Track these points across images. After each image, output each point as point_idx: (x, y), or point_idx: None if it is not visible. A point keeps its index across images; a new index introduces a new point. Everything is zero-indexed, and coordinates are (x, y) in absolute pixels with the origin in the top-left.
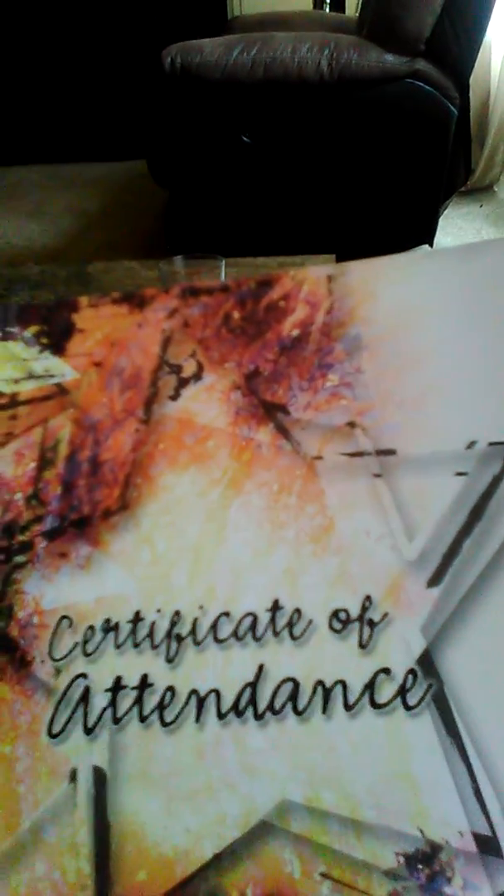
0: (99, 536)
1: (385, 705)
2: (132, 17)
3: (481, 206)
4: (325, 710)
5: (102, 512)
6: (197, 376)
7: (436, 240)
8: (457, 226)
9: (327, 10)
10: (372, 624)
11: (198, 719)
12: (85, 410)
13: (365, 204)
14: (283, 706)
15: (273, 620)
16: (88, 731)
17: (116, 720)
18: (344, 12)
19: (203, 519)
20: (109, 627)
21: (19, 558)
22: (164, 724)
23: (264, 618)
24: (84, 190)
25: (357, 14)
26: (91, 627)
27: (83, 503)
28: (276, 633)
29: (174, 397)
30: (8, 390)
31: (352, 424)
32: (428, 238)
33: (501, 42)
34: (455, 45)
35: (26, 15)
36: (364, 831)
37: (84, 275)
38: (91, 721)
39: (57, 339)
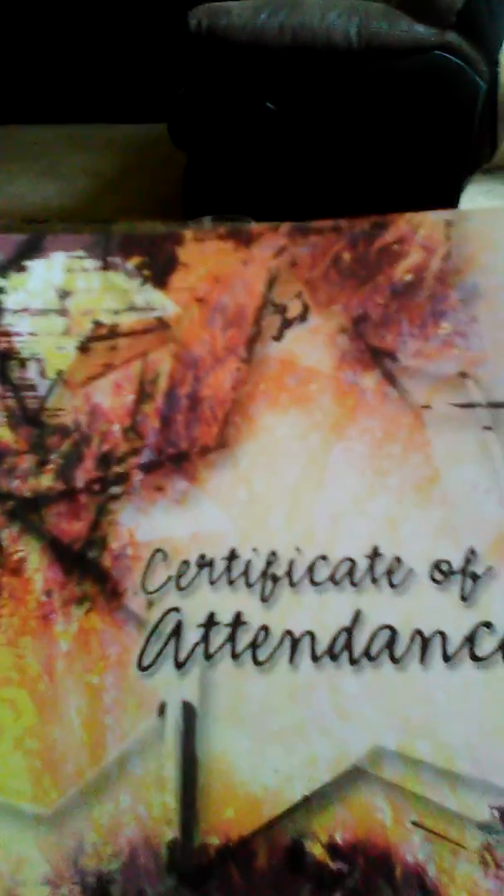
0: (196, 472)
1: (485, 658)
2: None
3: None
4: (422, 659)
5: (200, 448)
6: (302, 317)
7: None
8: (478, 203)
9: None
10: (475, 577)
11: (291, 660)
12: (186, 346)
13: (387, 174)
14: (380, 653)
15: (372, 567)
16: (179, 665)
17: (208, 656)
18: None
19: (303, 462)
20: (204, 563)
21: (115, 489)
22: (257, 662)
23: (362, 564)
24: (101, 152)
25: None
26: (185, 562)
27: (181, 438)
28: (374, 580)
29: (277, 338)
30: (108, 321)
31: (463, 375)
32: None
33: None
34: (486, 19)
35: None
36: (459, 783)
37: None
38: (182, 655)
39: (159, 271)
